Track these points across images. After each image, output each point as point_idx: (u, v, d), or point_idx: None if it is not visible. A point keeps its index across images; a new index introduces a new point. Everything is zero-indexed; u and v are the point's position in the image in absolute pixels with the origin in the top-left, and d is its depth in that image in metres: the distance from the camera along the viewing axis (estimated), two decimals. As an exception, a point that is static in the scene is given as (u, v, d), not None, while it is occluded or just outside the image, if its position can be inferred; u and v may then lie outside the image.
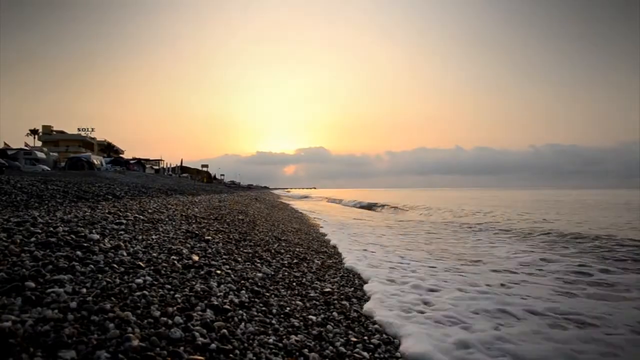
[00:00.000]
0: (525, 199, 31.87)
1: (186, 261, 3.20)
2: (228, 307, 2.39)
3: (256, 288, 3.03)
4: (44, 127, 58.45)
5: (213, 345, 1.83)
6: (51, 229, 3.25)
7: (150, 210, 6.03)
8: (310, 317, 2.72)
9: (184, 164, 62.91)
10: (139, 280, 2.39)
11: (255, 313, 2.51)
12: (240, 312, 2.40)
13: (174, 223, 5.17)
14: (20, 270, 2.09)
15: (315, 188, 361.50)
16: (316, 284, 3.77)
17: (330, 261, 5.30)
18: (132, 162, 41.74)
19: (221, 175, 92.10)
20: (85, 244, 2.90)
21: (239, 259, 3.92)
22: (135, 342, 1.62)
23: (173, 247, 3.61)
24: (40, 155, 29.95)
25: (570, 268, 5.36)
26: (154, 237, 3.89)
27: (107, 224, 3.98)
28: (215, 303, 2.38)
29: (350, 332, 2.68)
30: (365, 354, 2.34)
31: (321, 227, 10.66)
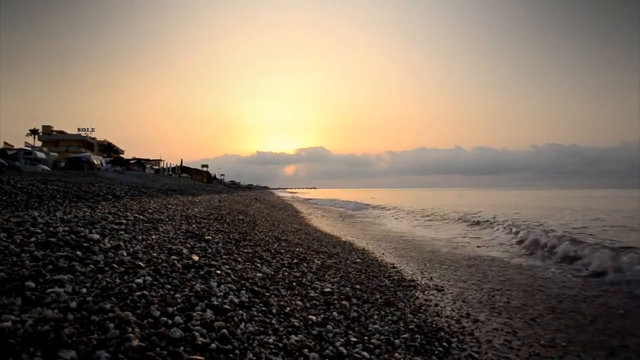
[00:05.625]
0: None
1: (186, 261, 3.20)
2: (228, 307, 2.39)
3: (256, 288, 3.03)
4: (44, 127, 58.41)
5: (213, 345, 1.83)
6: (51, 229, 3.25)
7: (150, 210, 6.03)
8: (310, 317, 2.72)
9: (184, 164, 62.95)
10: (139, 280, 2.38)
11: (255, 313, 2.50)
12: (240, 312, 2.40)
13: (174, 223, 5.17)
14: (20, 270, 2.09)
15: (315, 188, 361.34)
16: (316, 284, 3.77)
17: (331, 261, 5.30)
18: (132, 162, 41.74)
19: (221, 175, 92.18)
20: (85, 244, 2.90)
21: (239, 259, 3.92)
22: (135, 342, 1.62)
23: (173, 247, 3.61)
24: (40, 155, 29.95)
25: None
26: (154, 237, 3.89)
27: (107, 224, 3.98)
28: (215, 303, 2.38)
29: (350, 332, 2.68)
30: (365, 354, 2.35)
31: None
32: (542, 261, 7.03)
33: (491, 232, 10.86)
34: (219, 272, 3.15)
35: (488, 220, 12.63)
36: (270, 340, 2.13)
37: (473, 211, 16.65)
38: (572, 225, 10.80)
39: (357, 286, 4.13)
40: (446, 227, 12.96)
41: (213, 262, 3.43)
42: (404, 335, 2.89)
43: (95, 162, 31.34)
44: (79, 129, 59.29)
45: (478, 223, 12.59)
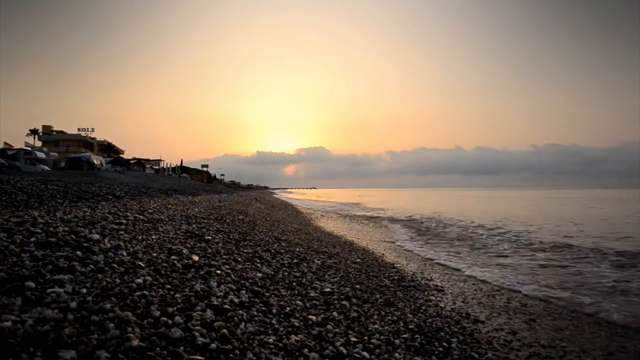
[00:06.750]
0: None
1: (186, 261, 3.20)
2: (228, 307, 2.39)
3: (256, 288, 3.03)
4: (44, 127, 58.38)
5: (213, 345, 1.83)
6: (51, 229, 3.25)
7: (150, 210, 6.03)
8: (310, 317, 2.72)
9: (184, 164, 62.98)
10: (139, 280, 2.38)
11: (255, 313, 2.50)
12: (240, 312, 2.40)
13: (174, 223, 5.17)
14: (20, 270, 2.09)
15: (315, 188, 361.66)
16: (316, 284, 3.77)
17: (331, 261, 5.30)
18: (132, 162, 41.74)
19: (221, 175, 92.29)
20: (85, 244, 2.90)
21: (239, 259, 3.92)
22: (135, 342, 1.62)
23: (173, 247, 3.61)
24: (40, 155, 29.95)
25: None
26: (154, 237, 3.89)
27: (107, 224, 3.97)
28: (215, 303, 2.37)
29: (350, 332, 2.68)
30: (365, 354, 2.35)
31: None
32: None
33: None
34: (219, 272, 3.14)
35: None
36: (270, 340, 2.13)
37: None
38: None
39: (357, 286, 4.13)
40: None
41: (213, 262, 3.42)
42: (404, 335, 2.90)
43: (95, 162, 31.35)
44: (79, 129, 59.28)
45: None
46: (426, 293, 4.57)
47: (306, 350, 2.14)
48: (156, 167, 51.89)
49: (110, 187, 10.38)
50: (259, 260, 4.16)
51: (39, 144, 53.37)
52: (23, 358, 1.35)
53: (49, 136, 58.20)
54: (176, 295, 2.33)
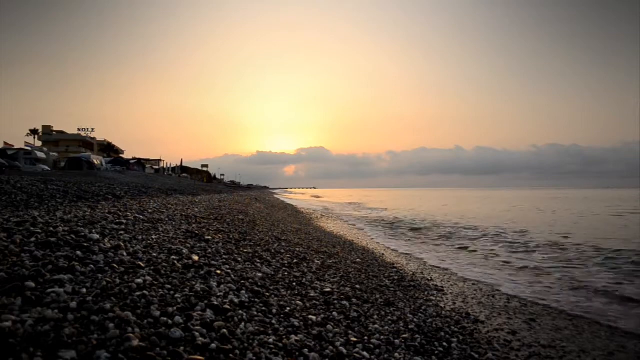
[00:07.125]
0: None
1: (186, 261, 3.20)
2: (228, 307, 2.39)
3: (256, 288, 3.03)
4: (44, 127, 58.39)
5: (213, 345, 1.83)
6: (51, 229, 3.25)
7: (150, 210, 6.02)
8: (310, 317, 2.71)
9: (184, 164, 62.97)
10: (139, 280, 2.38)
11: (255, 313, 2.50)
12: (240, 312, 2.40)
13: (174, 223, 5.17)
14: (20, 270, 2.09)
15: (315, 188, 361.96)
16: (316, 284, 3.77)
17: (331, 261, 5.30)
18: (132, 162, 41.73)
19: (221, 175, 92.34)
20: (85, 244, 2.89)
21: (239, 259, 3.91)
22: (135, 342, 1.62)
23: (173, 247, 3.61)
24: (40, 155, 29.91)
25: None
26: (154, 237, 3.89)
27: (107, 224, 3.97)
28: (215, 303, 2.37)
29: (350, 332, 2.68)
30: (365, 354, 2.35)
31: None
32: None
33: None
34: (219, 272, 3.14)
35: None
36: (270, 340, 2.13)
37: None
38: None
39: (357, 286, 4.13)
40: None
41: (213, 262, 3.42)
42: (404, 335, 2.90)
43: (95, 162, 31.34)
44: (79, 129, 59.27)
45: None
46: (426, 293, 4.57)
47: (306, 350, 2.14)
48: (156, 167, 51.89)
49: (110, 187, 10.38)
50: (259, 260, 4.16)
51: (39, 144, 53.34)
52: (23, 358, 1.35)
53: (49, 136, 58.17)
54: (176, 295, 2.33)
